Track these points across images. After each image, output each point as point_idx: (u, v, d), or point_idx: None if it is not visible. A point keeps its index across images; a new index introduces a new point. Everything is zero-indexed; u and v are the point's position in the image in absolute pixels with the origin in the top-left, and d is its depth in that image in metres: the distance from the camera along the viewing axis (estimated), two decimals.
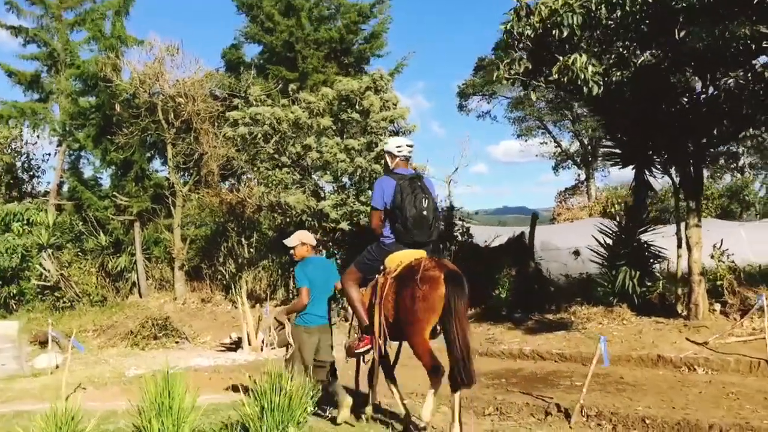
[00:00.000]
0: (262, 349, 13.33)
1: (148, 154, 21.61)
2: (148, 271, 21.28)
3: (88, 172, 25.46)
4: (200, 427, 6.39)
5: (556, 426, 6.47)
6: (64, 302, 20.68)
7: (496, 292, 12.89)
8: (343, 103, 15.15)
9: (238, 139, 16.02)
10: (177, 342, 15.13)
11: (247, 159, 17.23)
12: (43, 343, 14.81)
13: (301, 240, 6.75)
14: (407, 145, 6.25)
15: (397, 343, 6.30)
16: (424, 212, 5.85)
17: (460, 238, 14.74)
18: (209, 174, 19.55)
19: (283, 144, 15.74)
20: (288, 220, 16.38)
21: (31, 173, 28.19)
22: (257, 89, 16.10)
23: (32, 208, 23.74)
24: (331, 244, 16.13)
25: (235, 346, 13.99)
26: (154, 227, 21.56)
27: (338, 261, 14.58)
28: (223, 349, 14.12)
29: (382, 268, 5.98)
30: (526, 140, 42.78)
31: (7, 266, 22.61)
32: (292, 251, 6.89)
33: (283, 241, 6.97)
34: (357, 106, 14.94)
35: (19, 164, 27.73)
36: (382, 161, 6.97)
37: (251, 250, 19.11)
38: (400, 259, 5.85)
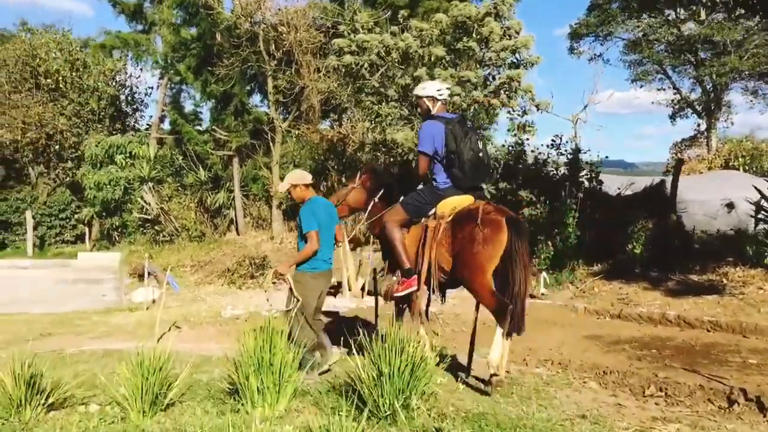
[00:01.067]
0: (363, 296, 12.40)
1: (248, 88, 20.93)
2: (245, 208, 20.82)
3: (188, 107, 25.25)
4: (304, 387, 5.46)
5: (750, 419, 5.06)
6: (163, 236, 20.62)
7: (629, 247, 11.35)
8: (459, 30, 13.66)
9: (342, 69, 14.85)
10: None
11: (351, 93, 16.09)
12: (142, 276, 14.48)
13: (291, 182, 6.06)
14: (446, 88, 6.07)
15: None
16: (480, 154, 5.72)
17: (587, 184, 13.16)
18: (310, 109, 18.61)
19: (390, 76, 14.46)
20: (392, 159, 15.22)
21: (135, 106, 28.30)
22: (364, 16, 14.82)
23: (135, 141, 23.72)
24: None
25: (334, 291, 13.13)
26: (253, 164, 20.99)
27: None
28: None
29: (432, 212, 5.82)
30: (641, 86, 39.70)
31: (110, 198, 22.79)
32: (291, 193, 6.19)
33: (289, 180, 6.14)
34: (474, 34, 13.41)
35: (123, 97, 27.85)
36: (419, 107, 6.22)
37: None
38: (453, 204, 5.73)
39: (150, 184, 21.72)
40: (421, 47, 13.83)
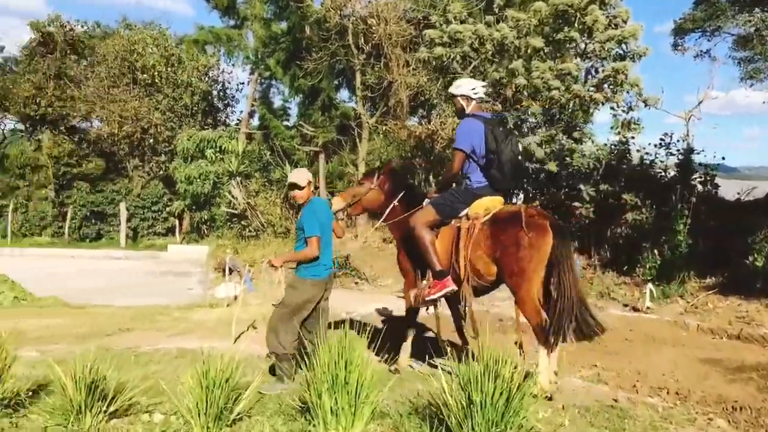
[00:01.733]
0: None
1: (336, 82, 20.66)
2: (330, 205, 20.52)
3: (277, 102, 25.30)
4: (384, 408, 4.87)
5: None
6: (249, 231, 20.62)
7: (750, 259, 10.16)
8: (559, 20, 12.74)
9: (432, 62, 14.21)
10: (356, 282, 14.01)
11: (440, 87, 15.43)
12: (224, 271, 14.36)
13: (309, 179, 5.67)
14: (481, 86, 5.86)
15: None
16: (519, 157, 5.70)
17: (700, 188, 11.98)
18: (398, 104, 18.08)
19: (483, 69, 13.70)
20: None
21: (226, 102, 28.65)
22: (458, 6, 14.13)
23: (225, 136, 23.91)
24: (530, 188, 14.06)
25: None
26: (339, 160, 20.71)
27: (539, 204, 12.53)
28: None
29: (464, 212, 5.66)
30: (751, 84, 37.11)
31: (200, 192, 23.05)
32: (294, 193, 5.76)
33: (291, 180, 5.71)
34: (576, 24, 12.47)
35: (215, 93, 28.26)
36: (454, 105, 6.04)
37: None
38: (486, 205, 5.60)
39: (238, 178, 21.80)
40: (518, 38, 13.01)
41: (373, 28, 17.22)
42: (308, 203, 5.63)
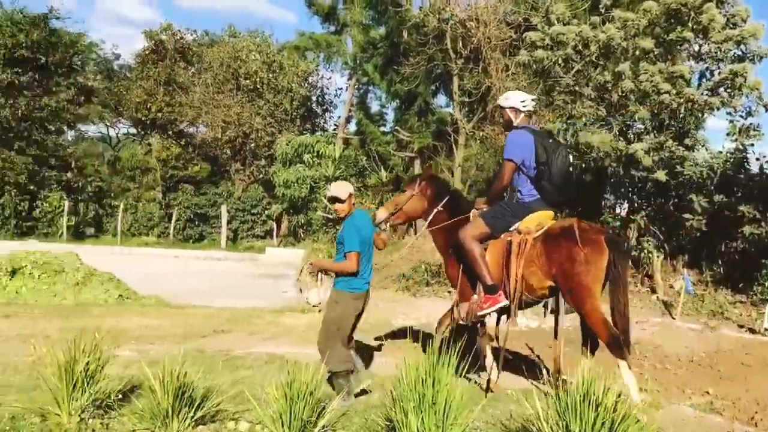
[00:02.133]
0: (545, 314, 11.27)
1: (433, 87, 20.48)
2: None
3: (374, 107, 25.38)
4: (474, 430, 4.60)
5: None
6: None
7: None
8: (672, 20, 12.02)
9: (533, 66, 13.75)
10: (450, 292, 13.71)
11: (541, 92, 14.91)
12: (317, 275, 14.40)
13: (350, 192, 5.52)
14: (531, 100, 5.76)
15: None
16: (570, 169, 5.60)
17: None
18: (496, 110, 17.65)
19: (586, 73, 13.12)
20: (584, 164, 13.84)
21: (324, 107, 29.03)
22: (561, 7, 13.61)
23: (322, 141, 24.19)
24: (635, 198, 13.34)
25: None
26: (435, 166, 20.47)
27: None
28: None
29: (515, 226, 5.58)
30: None
31: (297, 196, 23.41)
32: (335, 206, 5.58)
33: (331, 193, 5.56)
34: (690, 24, 11.71)
35: (314, 98, 28.70)
36: (503, 117, 5.84)
37: None
38: (538, 219, 5.53)
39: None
40: (625, 39, 12.37)
41: (472, 31, 16.93)
42: (349, 217, 5.50)
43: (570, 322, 6.05)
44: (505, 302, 5.55)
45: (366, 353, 8.24)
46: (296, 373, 4.61)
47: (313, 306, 5.35)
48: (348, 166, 23.09)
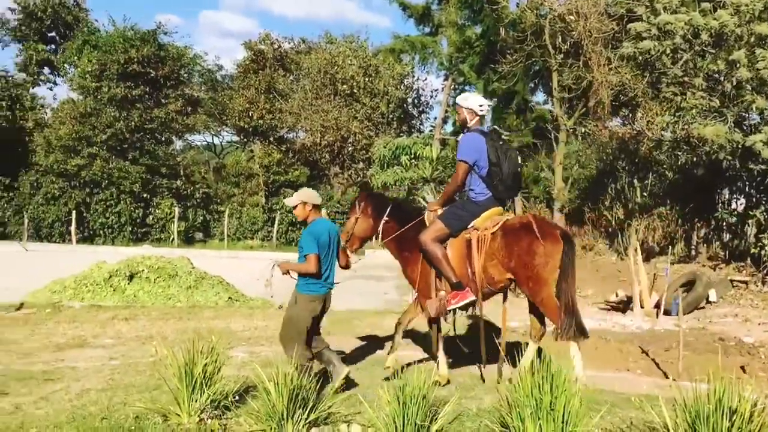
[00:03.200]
0: (657, 315, 10.80)
1: (531, 84, 20.05)
2: (525, 211, 19.94)
3: None
4: None
5: None
6: None
7: None
8: None
9: (638, 57, 13.22)
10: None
11: (646, 85, 14.33)
12: None
13: (301, 199, 5.83)
14: (488, 104, 6.18)
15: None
16: (519, 169, 5.98)
17: None
18: (598, 105, 17.12)
19: (695, 63, 12.48)
20: (695, 158, 13.18)
21: (420, 109, 29.08)
22: None
23: (419, 143, 24.22)
24: (753, 192, 12.56)
25: (623, 306, 11.68)
26: (534, 164, 20.07)
27: None
28: (608, 308, 11.91)
29: (471, 224, 5.92)
30: None
31: (395, 197, 23.51)
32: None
33: (285, 200, 6.17)
34: None
35: (410, 100, 28.81)
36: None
37: (644, 194, 16.24)
38: (490, 215, 5.90)
39: (432, 184, 21.94)
40: (739, 26, 11.68)
41: (572, 25, 16.47)
42: (311, 224, 5.81)
43: (686, 324, 5.74)
44: (472, 297, 5.88)
45: (478, 355, 8.15)
46: (408, 377, 4.61)
47: (279, 307, 5.90)
48: (446, 166, 23.01)
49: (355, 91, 26.82)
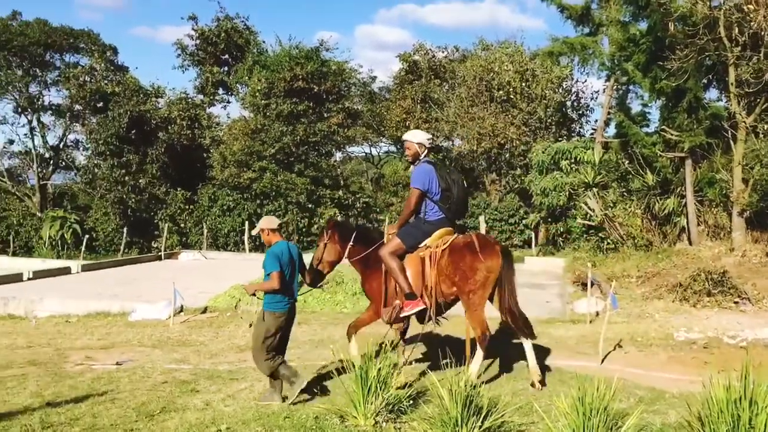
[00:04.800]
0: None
1: (704, 81, 18.72)
2: (699, 215, 18.65)
3: (635, 107, 23.98)
4: None
5: None
6: (607, 244, 19.85)
7: None
8: None
9: None
10: (736, 302, 12.39)
11: None
12: (584, 285, 13.92)
13: (261, 227, 6.61)
14: (431, 139, 7.19)
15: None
16: (466, 194, 7.13)
17: None
18: None
19: None
20: None
21: (580, 111, 28.22)
22: None
23: (579, 147, 23.48)
24: None
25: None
26: (709, 166, 18.70)
27: None
28: None
29: (424, 243, 6.74)
30: None
31: (556, 204, 22.97)
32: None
33: (252, 232, 7.02)
34: None
35: (568, 103, 28.04)
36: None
37: None
38: (440, 235, 6.74)
39: (594, 189, 21.15)
40: None
41: (750, 15, 15.20)
42: (273, 246, 6.46)
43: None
44: (422, 306, 6.63)
45: (647, 369, 7.76)
46: (587, 388, 4.47)
47: (249, 325, 6.75)
48: (609, 170, 22.10)
49: (511, 96, 26.50)
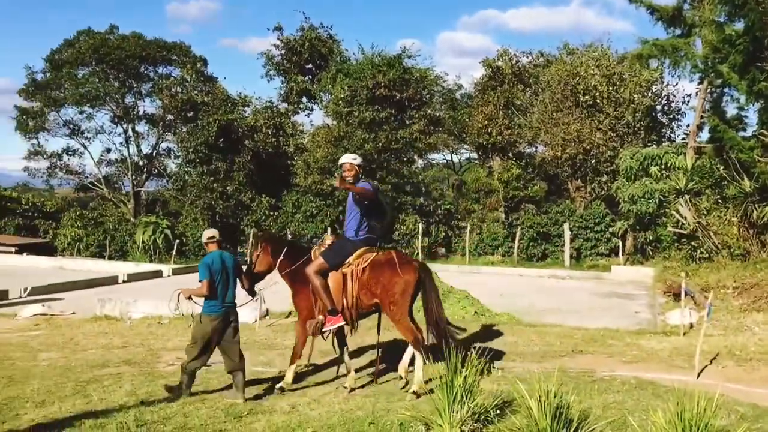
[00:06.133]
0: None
1: None
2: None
3: (730, 111, 22.84)
4: None
5: None
6: (701, 253, 18.96)
7: None
8: None
9: None
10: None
11: None
12: (677, 296, 13.35)
13: (207, 237, 7.19)
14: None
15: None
16: (392, 216, 8.29)
17: None
18: None
19: None
20: None
21: (671, 116, 27.18)
22: None
23: (670, 152, 22.61)
24: None
25: None
26: None
27: None
28: None
29: (348, 260, 7.20)
30: None
31: (645, 211, 22.24)
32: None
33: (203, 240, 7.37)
34: None
35: (658, 107, 27.10)
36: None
37: None
38: (362, 252, 7.21)
39: (686, 196, 20.28)
40: None
41: None
42: (206, 255, 6.99)
43: None
44: (342, 323, 7.14)
45: (748, 384, 7.36)
46: (685, 403, 4.27)
47: (190, 325, 7.71)
48: (702, 177, 21.13)
49: (597, 101, 25.80)
